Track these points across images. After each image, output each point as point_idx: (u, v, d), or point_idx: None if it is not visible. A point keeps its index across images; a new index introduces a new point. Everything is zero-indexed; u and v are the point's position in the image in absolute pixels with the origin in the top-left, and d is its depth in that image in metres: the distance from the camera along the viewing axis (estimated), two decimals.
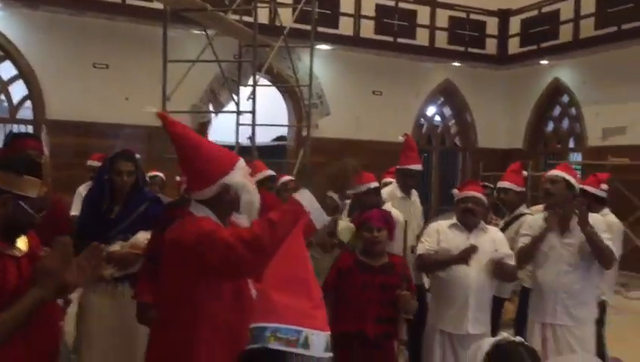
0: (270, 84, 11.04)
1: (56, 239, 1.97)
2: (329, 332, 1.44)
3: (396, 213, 4.20)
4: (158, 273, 2.76)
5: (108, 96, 9.82)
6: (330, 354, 1.42)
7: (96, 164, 5.77)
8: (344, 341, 3.44)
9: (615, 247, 3.98)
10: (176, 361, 2.22)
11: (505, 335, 1.66)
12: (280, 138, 13.68)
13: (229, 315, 2.18)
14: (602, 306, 4.55)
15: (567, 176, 3.94)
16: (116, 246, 3.37)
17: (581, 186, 5.20)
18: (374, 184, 4.40)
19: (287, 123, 12.10)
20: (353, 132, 12.07)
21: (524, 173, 5.54)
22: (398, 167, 4.93)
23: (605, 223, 4.09)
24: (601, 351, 4.35)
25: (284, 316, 1.40)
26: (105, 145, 8.45)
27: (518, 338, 1.65)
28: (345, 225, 4.59)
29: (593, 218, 3.90)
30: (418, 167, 4.94)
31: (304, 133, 9.90)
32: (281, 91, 11.97)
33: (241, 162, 2.35)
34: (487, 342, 1.63)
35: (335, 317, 3.48)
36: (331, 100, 12.08)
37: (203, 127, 10.76)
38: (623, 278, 9.26)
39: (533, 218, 4.22)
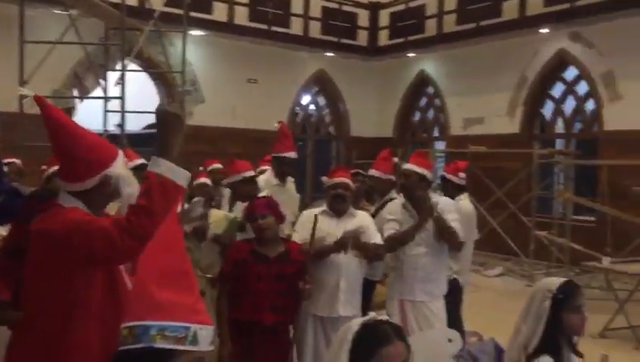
0: (140, 69, 10.61)
1: None
2: (213, 326, 1.41)
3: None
4: (15, 269, 2.58)
5: None
6: (213, 347, 1.39)
7: None
8: (240, 328, 3.47)
9: (464, 230, 4.28)
10: (48, 356, 2.10)
11: (372, 314, 1.72)
12: (151, 126, 13.21)
13: (102, 307, 2.09)
14: (457, 285, 4.88)
15: (418, 169, 4.17)
16: None
17: (443, 174, 5.56)
18: (249, 173, 4.39)
19: None
20: (229, 120, 11.96)
21: (395, 159, 5.77)
22: (273, 154, 4.93)
23: (455, 207, 4.40)
24: (459, 326, 4.66)
25: (170, 313, 1.35)
26: None
27: (384, 317, 1.72)
28: (220, 215, 4.55)
29: (444, 202, 4.26)
30: (293, 154, 4.98)
31: None
32: (152, 77, 11.55)
33: (121, 154, 2.28)
34: (356, 323, 1.68)
35: (232, 305, 3.49)
36: (206, 87, 11.87)
37: (67, 114, 10.11)
38: (481, 258, 10.02)
39: (393, 203, 4.39)
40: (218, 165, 6.95)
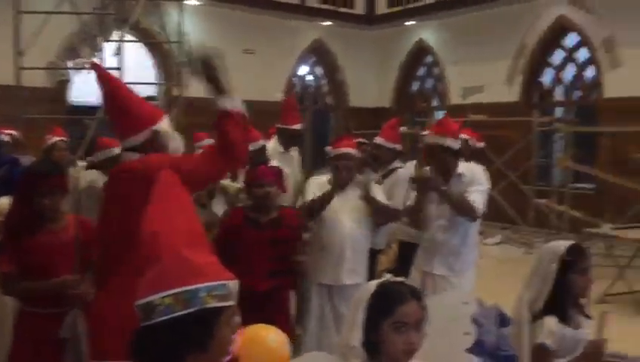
0: (136, 40, 10.47)
1: None
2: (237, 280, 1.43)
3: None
4: (20, 244, 2.58)
5: None
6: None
7: None
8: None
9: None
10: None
11: (389, 275, 1.74)
12: (148, 98, 13.11)
13: None
14: None
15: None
16: None
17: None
18: (262, 142, 4.37)
19: (154, 81, 11.60)
20: None
21: (402, 128, 5.72)
22: (279, 126, 4.88)
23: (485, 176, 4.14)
24: None
25: (209, 273, 1.36)
26: None
27: (400, 279, 1.74)
28: (226, 184, 4.54)
29: (474, 170, 3.96)
30: (299, 126, 4.96)
31: (175, 93, 9.55)
32: (148, 49, 11.42)
33: (165, 116, 2.60)
34: (373, 284, 1.70)
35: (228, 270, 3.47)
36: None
37: (62, 86, 10.02)
38: (480, 227, 10.00)
39: (403, 171, 4.32)
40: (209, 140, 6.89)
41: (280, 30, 12.50)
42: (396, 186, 4.63)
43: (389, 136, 5.14)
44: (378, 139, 5.14)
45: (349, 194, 3.93)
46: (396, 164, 5.06)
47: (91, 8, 8.52)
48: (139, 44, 10.80)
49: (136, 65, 9.99)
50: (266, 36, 12.29)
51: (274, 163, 4.33)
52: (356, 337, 1.64)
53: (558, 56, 11.21)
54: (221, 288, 1.36)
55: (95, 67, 2.56)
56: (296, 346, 3.99)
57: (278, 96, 5.14)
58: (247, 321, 1.52)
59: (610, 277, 6.42)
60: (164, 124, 2.54)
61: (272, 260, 3.49)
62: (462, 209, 3.83)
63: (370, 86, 13.97)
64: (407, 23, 13.07)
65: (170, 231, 1.41)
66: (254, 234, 3.48)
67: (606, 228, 6.72)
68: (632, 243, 6.80)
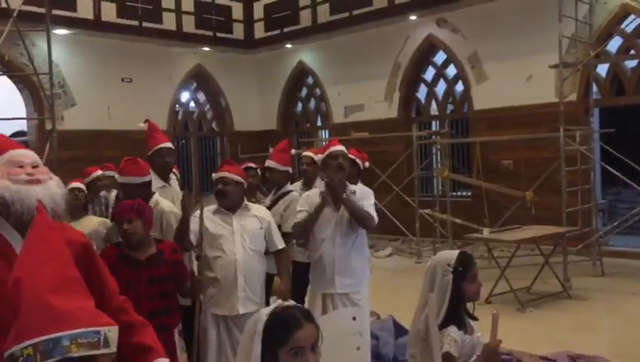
0: (1, 73, 9.84)
1: None
2: (117, 326, 1.35)
3: (169, 205, 4.10)
4: None
5: None
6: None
7: None
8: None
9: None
10: None
11: (279, 301, 1.73)
12: (18, 133, 12.32)
13: None
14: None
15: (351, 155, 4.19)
16: None
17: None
18: (149, 177, 4.15)
19: (24, 116, 10.93)
20: (104, 122, 11.41)
21: (292, 151, 5.75)
22: (150, 152, 4.65)
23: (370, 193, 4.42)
24: None
25: (77, 319, 1.27)
26: None
27: (291, 302, 1.74)
28: (94, 222, 4.33)
29: (361, 188, 4.26)
30: (169, 144, 4.74)
31: (48, 127, 9.02)
32: (15, 82, 10.75)
33: (12, 152, 2.01)
34: (264, 312, 1.69)
35: None
36: (76, 89, 11.23)
37: None
38: (371, 241, 10.33)
39: (311, 193, 4.32)
40: (98, 172, 6.60)
41: (158, 57, 12.25)
42: (292, 207, 4.66)
43: (279, 158, 5.16)
44: (269, 162, 5.14)
45: (239, 218, 3.88)
46: (288, 186, 5.08)
47: None
48: (5, 78, 10.15)
49: (4, 101, 9.38)
50: (143, 64, 12.00)
51: (157, 198, 4.16)
52: None
53: (430, 73, 11.86)
54: (91, 335, 1.28)
55: None
56: None
57: (142, 126, 4.87)
58: None
59: (492, 279, 6.81)
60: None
61: (153, 299, 3.33)
62: (363, 217, 4.03)
63: (254, 109, 14.01)
64: (287, 46, 13.27)
65: (35, 276, 1.33)
66: (130, 274, 3.29)
67: (486, 233, 7.13)
68: (510, 244, 7.28)
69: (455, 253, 2.55)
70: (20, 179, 1.95)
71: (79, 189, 4.96)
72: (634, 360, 4.81)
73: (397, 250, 10.41)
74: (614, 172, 8.26)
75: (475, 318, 2.55)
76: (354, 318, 2.00)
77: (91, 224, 4.52)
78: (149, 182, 4.16)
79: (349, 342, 1.97)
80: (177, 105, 13.48)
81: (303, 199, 4.24)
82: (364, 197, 4.21)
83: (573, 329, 5.84)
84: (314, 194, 4.17)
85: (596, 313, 6.39)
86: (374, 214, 4.17)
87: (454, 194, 10.90)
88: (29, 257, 1.36)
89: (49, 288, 1.30)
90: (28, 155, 2.05)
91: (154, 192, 4.22)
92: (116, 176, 4.31)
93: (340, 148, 4.14)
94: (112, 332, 1.33)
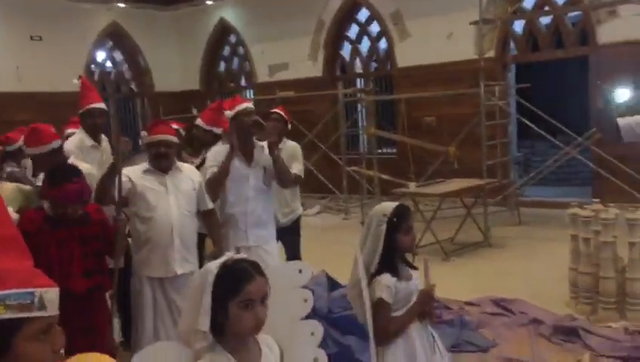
0: None
1: None
2: (57, 287, 1.29)
3: (86, 167, 3.90)
4: None
5: None
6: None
7: None
8: None
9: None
10: None
11: (230, 254, 1.72)
12: None
13: None
14: (298, 220, 5.22)
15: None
16: None
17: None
18: (57, 143, 3.94)
19: None
20: (13, 84, 10.74)
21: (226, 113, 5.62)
22: (80, 111, 4.48)
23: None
24: (298, 256, 4.92)
25: (7, 280, 1.20)
26: None
27: (241, 255, 1.73)
28: (9, 188, 4.08)
29: (292, 145, 4.48)
30: (102, 105, 4.59)
31: None
32: None
33: None
34: (214, 265, 1.67)
35: None
36: None
37: None
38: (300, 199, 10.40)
39: (217, 149, 4.29)
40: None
41: (70, 14, 11.59)
42: None
43: (209, 118, 5.07)
44: (199, 122, 5.05)
45: (172, 179, 3.80)
46: (217, 146, 5.00)
47: None
48: None
49: None
50: (54, 21, 11.34)
51: (75, 161, 3.97)
52: (205, 322, 1.60)
53: (353, 31, 11.85)
54: (22, 296, 1.21)
55: None
56: (135, 341, 3.83)
57: (75, 82, 4.68)
58: (66, 325, 1.39)
59: (419, 231, 7.03)
60: None
61: (86, 258, 3.26)
62: (288, 179, 4.17)
63: (175, 69, 13.59)
64: (207, 2, 12.87)
65: None
66: (61, 233, 3.19)
67: (412, 187, 7.33)
68: (435, 197, 7.52)
69: (393, 204, 2.60)
70: None
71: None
72: (551, 300, 5.14)
73: (325, 208, 10.54)
74: (532, 125, 8.64)
75: (413, 267, 2.64)
76: (300, 271, 2.01)
77: (6, 190, 4.29)
78: (59, 148, 3.96)
79: (296, 295, 1.98)
80: (93, 66, 12.87)
81: (212, 155, 4.20)
82: (293, 155, 4.27)
83: (495, 275, 6.16)
84: (222, 150, 4.12)
85: (515, 259, 6.75)
86: (302, 174, 4.38)
87: (380, 151, 11.09)
88: None
89: None
90: None
91: (67, 156, 4.06)
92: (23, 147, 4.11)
93: (251, 105, 4.14)
94: (50, 293, 1.26)
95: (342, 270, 3.83)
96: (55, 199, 3.17)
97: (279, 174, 4.09)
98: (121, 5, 12.39)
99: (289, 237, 5.02)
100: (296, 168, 4.73)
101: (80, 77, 4.65)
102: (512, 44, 9.97)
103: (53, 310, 1.26)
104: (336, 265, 4.92)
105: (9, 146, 5.24)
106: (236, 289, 1.62)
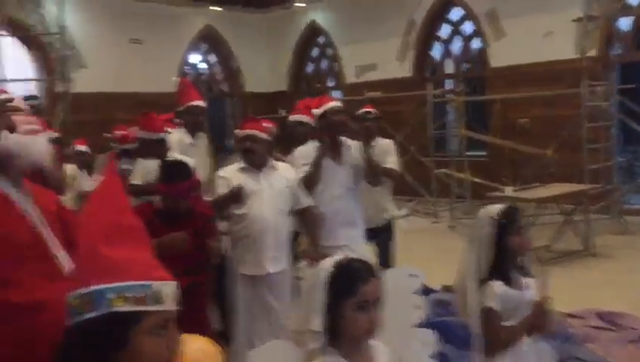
0: (10, 34, 9.67)
1: None
2: (175, 281, 1.25)
3: (190, 161, 4.01)
4: None
5: None
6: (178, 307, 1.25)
7: None
8: None
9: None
10: None
11: (344, 254, 1.66)
12: (30, 97, 12.18)
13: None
14: (393, 226, 5.07)
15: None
16: None
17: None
18: (164, 135, 4.12)
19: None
20: (113, 85, 11.25)
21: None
22: (181, 109, 4.61)
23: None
24: (390, 260, 4.84)
25: (125, 271, 1.18)
26: None
27: (355, 255, 1.67)
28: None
29: (384, 143, 4.47)
30: (202, 103, 4.72)
31: (58, 89, 8.90)
32: (24, 44, 10.57)
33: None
34: (328, 264, 1.62)
35: None
36: (86, 51, 11.04)
37: None
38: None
39: (305, 148, 4.25)
40: (82, 147, 6.50)
41: (167, 18, 12.02)
42: None
43: (302, 112, 5.08)
44: (292, 117, 5.05)
45: (266, 177, 3.80)
46: (306, 146, 4.99)
47: None
48: (12, 40, 9.98)
49: (13, 63, 9.23)
50: (153, 25, 11.78)
51: (178, 156, 4.10)
52: (318, 322, 1.55)
53: (445, 31, 11.58)
54: (138, 289, 1.18)
55: None
56: (230, 337, 3.86)
57: (174, 80, 4.84)
58: None
59: None
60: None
61: (189, 254, 3.30)
62: (378, 173, 4.15)
63: (264, 70, 13.80)
64: (296, 5, 12.99)
65: (91, 224, 1.24)
66: (171, 227, 3.24)
67: (509, 191, 7.02)
68: (533, 203, 7.18)
69: (500, 206, 2.46)
70: (22, 130, 1.86)
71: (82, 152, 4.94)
72: None
73: (412, 211, 10.33)
74: (638, 128, 8.09)
75: (528, 274, 2.47)
76: (414, 275, 1.92)
77: None
78: (164, 140, 4.12)
79: (408, 301, 1.89)
80: (186, 67, 13.29)
81: (301, 153, 4.17)
82: (387, 151, 4.19)
83: (595, 287, 5.79)
84: (311, 149, 4.08)
85: (618, 270, 6.32)
86: (396, 167, 4.51)
87: (469, 153, 10.75)
88: (90, 204, 1.28)
89: (104, 236, 1.22)
90: (20, 103, 1.95)
91: (168, 149, 4.19)
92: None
93: (339, 104, 4.11)
94: (167, 287, 1.23)
95: (432, 275, 3.68)
96: (168, 195, 3.27)
97: (370, 173, 4.03)
98: (216, 9, 12.72)
99: (381, 239, 4.92)
100: (391, 162, 4.64)
101: (178, 76, 4.85)
102: (615, 43, 9.40)
103: (170, 304, 1.23)
104: (426, 270, 4.77)
105: (126, 144, 5.47)
106: (351, 290, 1.56)
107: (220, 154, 7.03)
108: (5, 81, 6.48)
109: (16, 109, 1.83)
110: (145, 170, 4.17)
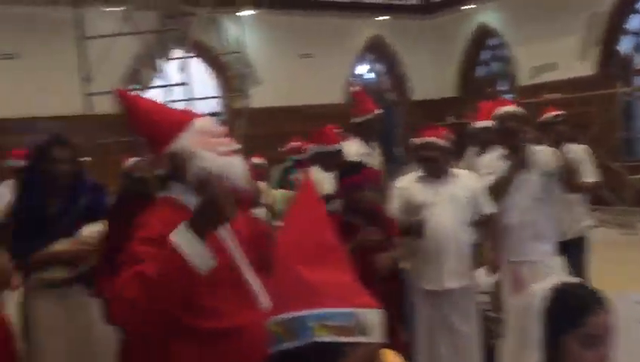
0: (196, 55, 10.48)
1: None
2: (380, 309, 1.13)
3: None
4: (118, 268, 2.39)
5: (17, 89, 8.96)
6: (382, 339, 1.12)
7: (19, 162, 5.07)
8: None
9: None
10: None
11: (559, 277, 1.45)
12: (214, 114, 13.15)
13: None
14: (586, 234, 4.79)
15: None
16: (63, 245, 2.89)
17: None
18: (340, 146, 4.19)
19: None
20: (285, 99, 11.69)
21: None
22: (357, 120, 4.64)
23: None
24: (584, 278, 4.34)
25: (327, 297, 1.07)
26: (18, 143, 7.70)
27: (574, 279, 1.45)
28: (279, 194, 4.46)
29: (576, 149, 4.24)
30: (380, 111, 4.77)
31: (237, 105, 9.40)
32: (207, 63, 11.41)
33: (199, 122, 1.88)
34: (544, 290, 1.41)
35: None
36: (259, 68, 11.63)
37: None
38: None
39: (489, 157, 4.02)
40: (259, 160, 6.71)
41: (336, 31, 12.25)
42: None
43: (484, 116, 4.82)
44: (480, 123, 4.80)
45: (445, 186, 3.61)
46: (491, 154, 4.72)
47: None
48: (197, 60, 10.80)
49: (198, 82, 9.98)
50: (322, 39, 12.08)
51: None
52: (537, 357, 1.34)
53: (634, 22, 10.45)
54: (340, 317, 1.05)
55: (118, 94, 2.04)
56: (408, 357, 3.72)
57: (353, 89, 4.95)
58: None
59: None
60: (186, 139, 1.83)
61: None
62: (576, 179, 3.81)
63: (430, 77, 13.52)
64: (464, 8, 12.57)
65: (289, 244, 1.15)
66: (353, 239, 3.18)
67: None
68: None
69: None
70: (221, 151, 1.84)
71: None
72: None
73: (600, 221, 9.39)
74: None
75: None
76: (638, 302, 1.63)
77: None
78: (340, 151, 4.20)
79: (636, 331, 1.60)
80: (354, 78, 13.45)
81: (482, 163, 4.01)
82: (581, 159, 3.83)
83: None
84: (496, 158, 3.83)
85: None
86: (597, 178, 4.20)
87: None
88: (288, 223, 1.21)
89: (303, 257, 1.12)
90: (215, 125, 1.95)
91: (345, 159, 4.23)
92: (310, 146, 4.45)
93: (515, 108, 3.82)
94: (372, 315, 1.10)
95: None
96: (344, 189, 3.24)
97: (569, 180, 3.66)
98: (383, 18, 12.74)
99: (574, 253, 4.47)
100: (588, 171, 4.26)
101: (356, 86, 4.93)
102: None
103: (376, 336, 1.10)
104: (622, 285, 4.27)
105: (299, 155, 5.67)
106: (577, 321, 1.34)
107: (388, 164, 6.99)
108: (194, 99, 6.95)
109: None
110: (318, 182, 4.24)
